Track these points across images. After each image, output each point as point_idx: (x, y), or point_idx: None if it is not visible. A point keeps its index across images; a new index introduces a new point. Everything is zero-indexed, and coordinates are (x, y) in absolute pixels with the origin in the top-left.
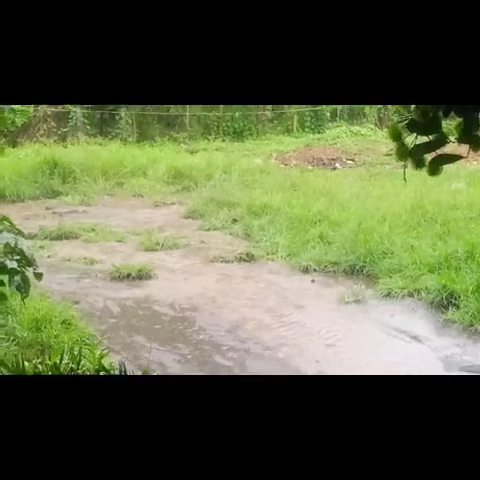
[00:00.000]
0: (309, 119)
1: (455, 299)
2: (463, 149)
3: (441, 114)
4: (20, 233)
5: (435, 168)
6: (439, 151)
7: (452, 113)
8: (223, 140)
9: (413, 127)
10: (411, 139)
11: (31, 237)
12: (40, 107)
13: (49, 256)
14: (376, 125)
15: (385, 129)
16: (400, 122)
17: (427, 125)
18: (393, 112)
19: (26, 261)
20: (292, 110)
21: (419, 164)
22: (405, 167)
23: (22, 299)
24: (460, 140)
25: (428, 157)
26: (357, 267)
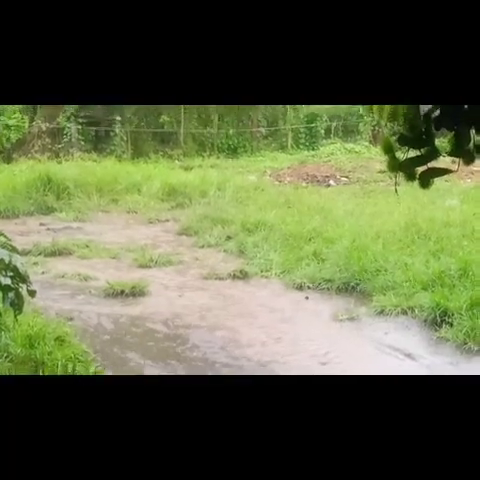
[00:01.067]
0: (303, 136)
1: (449, 317)
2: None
3: (432, 128)
4: (14, 249)
5: (426, 181)
6: (431, 165)
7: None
8: (217, 157)
9: (404, 141)
10: (404, 152)
11: (25, 253)
12: (35, 123)
13: (43, 272)
14: (370, 142)
15: (379, 146)
16: (392, 135)
17: (418, 139)
18: (386, 127)
19: (20, 278)
20: (287, 127)
21: (410, 177)
22: (396, 179)
23: (15, 316)
24: (451, 154)
25: (420, 170)
26: (351, 284)
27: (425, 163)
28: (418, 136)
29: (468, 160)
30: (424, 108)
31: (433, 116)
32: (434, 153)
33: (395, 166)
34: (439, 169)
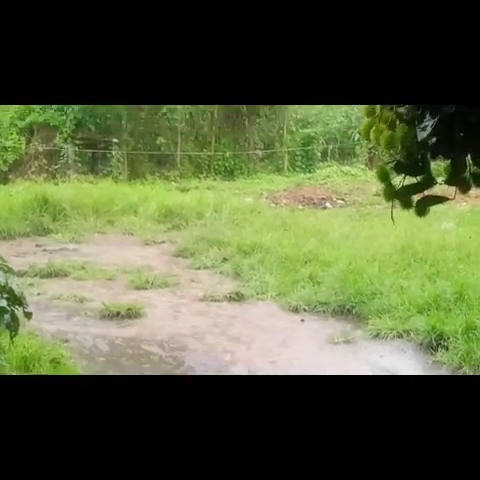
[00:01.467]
0: (300, 159)
1: (444, 340)
2: (453, 190)
3: (429, 156)
4: (10, 271)
5: (422, 209)
6: (428, 192)
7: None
8: (214, 179)
9: (400, 168)
10: (400, 179)
11: (21, 274)
12: (32, 144)
13: (39, 294)
14: (366, 165)
15: (375, 169)
16: (388, 163)
17: (414, 166)
18: (382, 154)
19: (16, 300)
20: (283, 149)
21: (406, 205)
22: (392, 208)
23: (11, 337)
24: (448, 182)
25: (415, 198)
26: (347, 307)
27: (421, 191)
28: (414, 163)
29: (464, 188)
30: (422, 135)
31: (430, 143)
32: (430, 181)
33: (391, 194)
34: (436, 197)
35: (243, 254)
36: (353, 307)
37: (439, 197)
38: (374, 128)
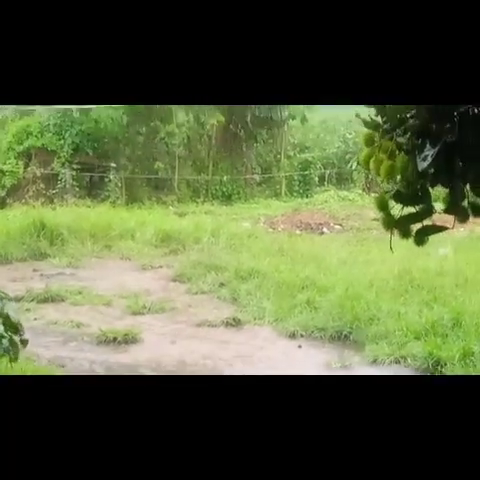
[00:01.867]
0: (297, 183)
1: (441, 366)
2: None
3: (428, 185)
4: (6, 297)
5: (421, 239)
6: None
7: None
8: (212, 203)
9: (399, 198)
10: (399, 208)
11: (18, 299)
12: (29, 169)
13: (36, 319)
14: (364, 190)
15: (372, 194)
16: (387, 192)
17: (413, 196)
18: (381, 181)
19: (12, 327)
20: (280, 174)
21: (405, 234)
22: (392, 237)
23: (10, 361)
24: (447, 211)
25: (414, 227)
26: (344, 333)
27: (420, 220)
28: (414, 193)
29: (463, 218)
30: (422, 165)
31: (429, 173)
32: (430, 210)
33: (390, 223)
34: (435, 226)
35: (240, 279)
36: (350, 333)
37: (438, 227)
38: (374, 158)
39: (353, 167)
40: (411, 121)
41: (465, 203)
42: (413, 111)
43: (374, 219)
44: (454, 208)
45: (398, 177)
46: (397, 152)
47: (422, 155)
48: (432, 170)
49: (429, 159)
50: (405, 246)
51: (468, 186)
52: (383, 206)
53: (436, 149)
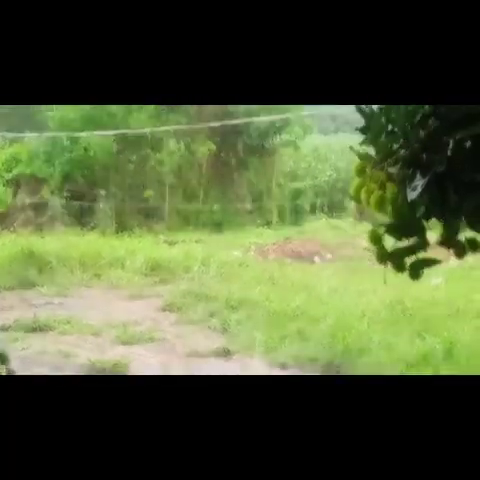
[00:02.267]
0: (288, 212)
1: None
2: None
3: (422, 217)
4: None
5: (415, 272)
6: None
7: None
8: (202, 232)
9: (392, 231)
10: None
11: (5, 329)
12: (18, 196)
13: (23, 348)
14: (355, 218)
15: (364, 223)
16: (380, 225)
17: (407, 229)
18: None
19: None
20: (272, 203)
21: (399, 268)
22: (385, 270)
23: None
24: (441, 244)
25: (408, 259)
26: (335, 364)
27: (414, 253)
28: (406, 225)
29: (459, 253)
30: (412, 195)
31: (421, 205)
32: (423, 244)
33: (384, 256)
34: (429, 260)
35: (231, 309)
36: (341, 363)
37: (433, 260)
38: (365, 188)
39: (344, 189)
40: (402, 151)
41: (462, 237)
42: (402, 141)
43: (366, 248)
44: (449, 242)
45: (389, 208)
46: (387, 183)
47: (412, 185)
48: (425, 202)
49: (419, 189)
50: (396, 275)
51: (464, 220)
52: (376, 240)
53: (426, 179)
